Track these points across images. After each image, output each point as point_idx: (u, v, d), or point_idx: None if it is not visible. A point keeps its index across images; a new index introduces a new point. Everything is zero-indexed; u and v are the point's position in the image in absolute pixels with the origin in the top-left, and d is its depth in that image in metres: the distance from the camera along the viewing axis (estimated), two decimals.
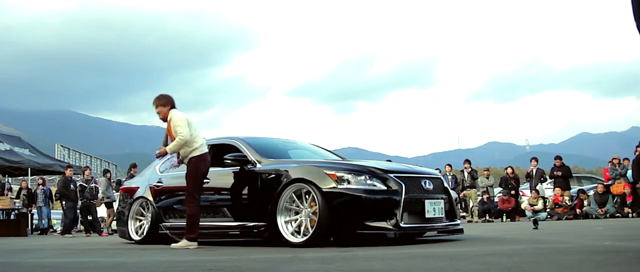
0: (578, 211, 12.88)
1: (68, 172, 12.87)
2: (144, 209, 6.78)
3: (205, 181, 5.91)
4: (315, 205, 4.74)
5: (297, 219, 4.93)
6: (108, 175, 14.00)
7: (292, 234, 4.91)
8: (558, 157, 13.89)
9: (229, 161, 5.56)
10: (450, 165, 14.99)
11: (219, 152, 6.00)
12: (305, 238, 4.75)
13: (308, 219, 4.83)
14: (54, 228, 16.63)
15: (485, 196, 14.04)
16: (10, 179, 17.83)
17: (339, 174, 4.79)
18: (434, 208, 4.98)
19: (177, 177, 6.53)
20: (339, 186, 4.71)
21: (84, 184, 12.44)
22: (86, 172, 12.89)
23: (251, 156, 5.55)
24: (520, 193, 14.62)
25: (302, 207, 4.90)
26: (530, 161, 14.22)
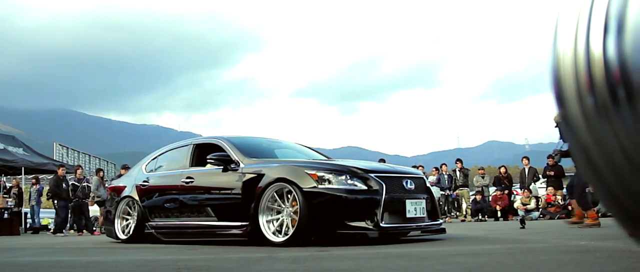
0: (570, 208, 12.90)
1: (60, 171, 12.88)
2: (130, 208, 6.80)
3: (189, 180, 5.95)
4: (297, 204, 4.75)
5: (278, 219, 4.94)
6: (101, 174, 14.00)
7: (274, 233, 4.92)
8: (551, 157, 13.88)
9: (212, 161, 5.58)
10: (445, 164, 14.99)
11: (204, 152, 6.02)
12: (286, 238, 4.76)
13: (289, 219, 4.85)
14: (49, 227, 16.66)
15: (478, 196, 14.05)
16: (4, 178, 17.85)
17: (320, 173, 4.80)
18: (415, 208, 4.99)
19: (163, 176, 6.55)
20: (320, 186, 4.72)
21: (76, 183, 12.45)
22: (78, 172, 12.90)
23: (234, 156, 5.57)
24: (514, 192, 14.63)
25: (283, 206, 4.92)
26: (521, 160, 14.23)
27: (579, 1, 0.85)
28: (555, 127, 7.39)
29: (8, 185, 16.53)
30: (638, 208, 0.80)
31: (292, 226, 4.76)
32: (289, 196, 4.88)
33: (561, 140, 7.52)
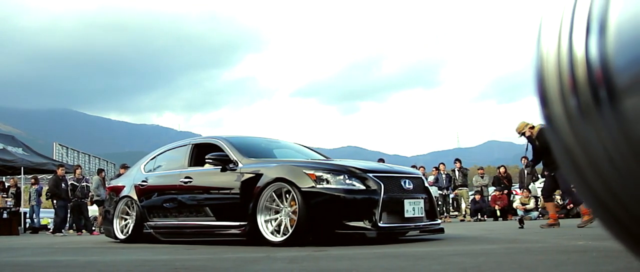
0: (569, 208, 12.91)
1: (59, 171, 12.88)
2: (129, 208, 6.80)
3: (187, 180, 5.95)
4: (295, 204, 4.75)
5: (277, 219, 4.95)
6: (102, 174, 14.02)
7: (272, 233, 4.92)
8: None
9: (210, 161, 5.58)
10: (443, 164, 14.99)
11: (203, 152, 6.02)
12: (284, 237, 4.77)
13: (288, 219, 4.85)
14: (48, 227, 16.66)
15: (477, 196, 14.05)
16: (4, 178, 17.85)
17: (318, 173, 4.80)
18: (413, 208, 5.00)
19: (161, 176, 6.56)
20: (318, 186, 4.73)
21: (75, 183, 12.46)
22: (77, 171, 12.90)
23: (232, 156, 5.57)
24: (513, 192, 14.63)
25: (282, 206, 4.92)
26: (521, 160, 14.24)
27: (562, 2, 0.85)
28: (520, 136, 7.51)
29: (7, 185, 16.54)
30: (621, 210, 0.80)
31: (291, 226, 4.77)
32: (288, 195, 4.89)
33: (528, 148, 7.65)
